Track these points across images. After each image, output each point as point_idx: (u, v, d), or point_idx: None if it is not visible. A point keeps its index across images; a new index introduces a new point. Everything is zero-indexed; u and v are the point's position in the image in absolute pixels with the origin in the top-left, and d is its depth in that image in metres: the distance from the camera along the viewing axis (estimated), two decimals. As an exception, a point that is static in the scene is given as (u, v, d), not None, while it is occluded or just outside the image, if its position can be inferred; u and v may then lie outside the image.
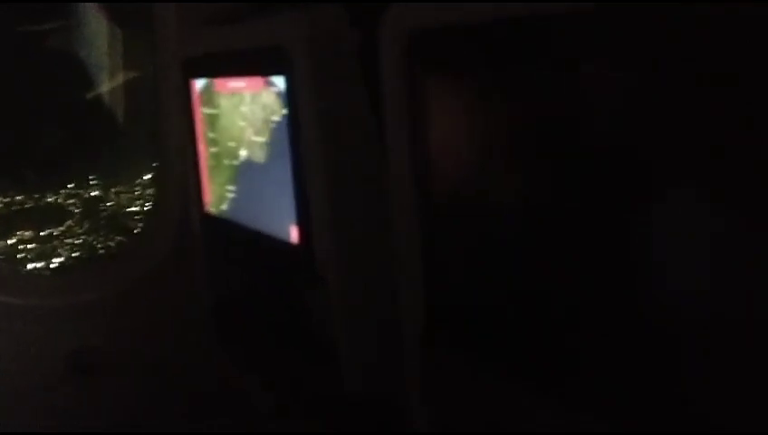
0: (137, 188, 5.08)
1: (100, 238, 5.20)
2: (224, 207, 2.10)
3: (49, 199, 5.16)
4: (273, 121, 1.72)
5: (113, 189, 5.20)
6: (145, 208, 4.87)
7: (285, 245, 1.71)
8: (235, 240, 2.04)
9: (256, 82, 1.76)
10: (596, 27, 0.89)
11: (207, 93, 2.08)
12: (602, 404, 0.99)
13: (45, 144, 4.64)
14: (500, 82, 1.09)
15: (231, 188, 2.04)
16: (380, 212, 1.41)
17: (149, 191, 4.61)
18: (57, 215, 5.16)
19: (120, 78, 3.42)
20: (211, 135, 2.10)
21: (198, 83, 2.12)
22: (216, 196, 2.14)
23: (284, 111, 1.64)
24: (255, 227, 1.90)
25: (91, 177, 5.13)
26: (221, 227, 2.13)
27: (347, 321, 1.55)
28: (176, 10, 2.26)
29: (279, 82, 1.65)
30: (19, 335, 2.28)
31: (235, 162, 1.97)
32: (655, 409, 0.90)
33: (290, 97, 1.61)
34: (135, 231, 4.93)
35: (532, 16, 0.97)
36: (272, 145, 1.75)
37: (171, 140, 2.42)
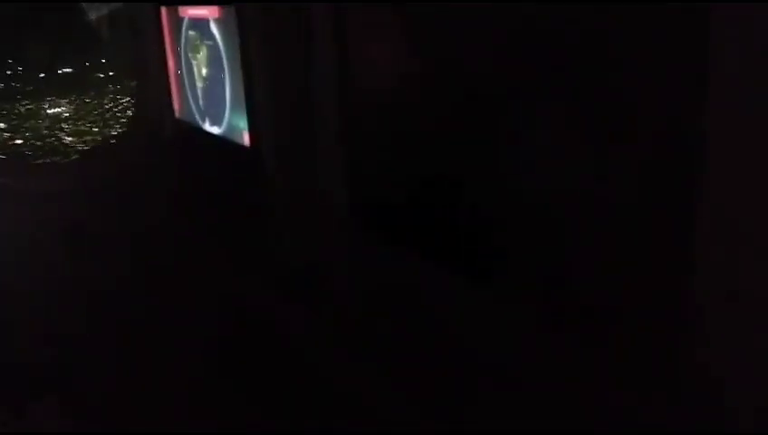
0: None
1: None
2: (190, 115, 2.49)
3: None
4: (228, 44, 2.04)
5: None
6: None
7: (239, 147, 2.07)
8: (199, 142, 2.43)
9: (213, 10, 2.08)
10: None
11: (174, 18, 2.40)
12: (512, 285, 1.27)
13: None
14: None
15: (196, 99, 2.41)
16: (315, 120, 1.76)
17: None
18: None
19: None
20: (179, 53, 2.44)
21: (167, 10, 2.45)
22: (185, 105, 2.51)
23: (237, 36, 1.96)
24: (216, 132, 2.28)
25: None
26: (189, 130, 2.53)
27: (286, 204, 1.92)
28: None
29: (231, 10, 1.97)
30: (15, 216, 2.60)
31: (200, 78, 2.32)
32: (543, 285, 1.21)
33: (240, 24, 1.92)
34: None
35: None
36: (228, 64, 2.07)
37: (147, 59, 2.77)
